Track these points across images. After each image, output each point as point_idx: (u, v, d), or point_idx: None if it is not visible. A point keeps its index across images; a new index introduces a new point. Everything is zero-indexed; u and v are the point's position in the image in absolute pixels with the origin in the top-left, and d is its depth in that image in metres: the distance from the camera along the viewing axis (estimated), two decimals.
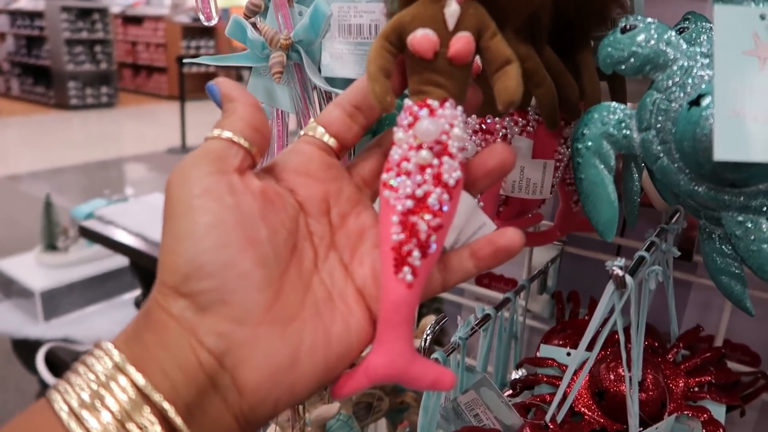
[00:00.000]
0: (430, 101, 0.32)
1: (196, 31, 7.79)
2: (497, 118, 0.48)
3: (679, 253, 0.49)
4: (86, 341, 1.58)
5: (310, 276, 0.32)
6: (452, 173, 0.32)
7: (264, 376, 0.28)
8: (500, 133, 0.49)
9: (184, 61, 0.46)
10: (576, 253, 0.72)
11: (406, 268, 0.31)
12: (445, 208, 0.32)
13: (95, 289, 1.90)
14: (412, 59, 0.33)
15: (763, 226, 0.35)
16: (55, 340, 1.58)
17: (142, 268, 1.46)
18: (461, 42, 0.31)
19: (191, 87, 6.28)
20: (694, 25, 0.48)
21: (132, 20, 8.37)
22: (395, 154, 0.32)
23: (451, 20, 0.31)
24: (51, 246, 1.93)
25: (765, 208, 0.35)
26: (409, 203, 0.31)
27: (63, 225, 1.99)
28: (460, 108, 0.33)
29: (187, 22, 7.71)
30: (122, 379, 0.26)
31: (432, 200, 0.31)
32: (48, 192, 2.08)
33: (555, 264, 0.73)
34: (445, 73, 0.32)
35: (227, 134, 0.30)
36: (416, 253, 0.31)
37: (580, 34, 0.53)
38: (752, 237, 0.36)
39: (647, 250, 0.46)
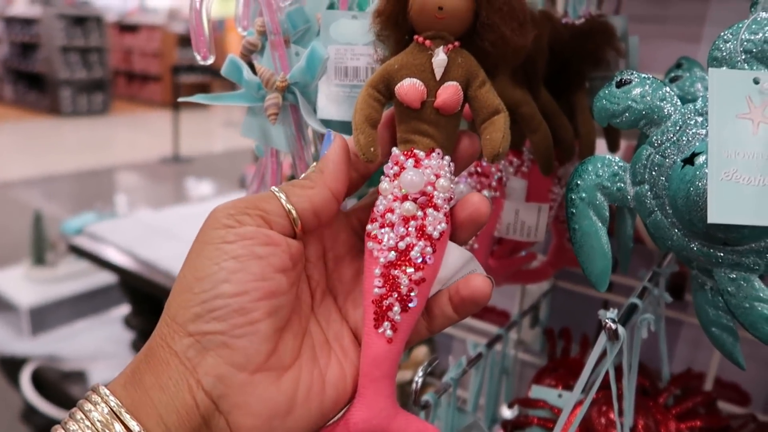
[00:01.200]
0: (416, 151, 0.32)
1: None
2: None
3: (671, 299, 0.49)
4: (73, 358, 1.56)
5: (307, 320, 0.32)
6: (437, 225, 0.32)
7: (259, 422, 0.28)
8: (495, 176, 0.49)
9: (180, 99, 0.46)
10: (568, 288, 0.72)
11: (386, 323, 0.31)
12: (429, 261, 0.32)
13: (84, 304, 1.88)
14: (399, 108, 0.32)
15: (755, 284, 0.36)
16: (41, 357, 1.56)
17: (132, 286, 1.45)
18: (448, 92, 0.31)
19: (185, 96, 6.28)
20: (688, 73, 0.48)
21: (127, 28, 8.37)
22: (380, 204, 0.32)
23: (438, 70, 0.31)
24: (40, 260, 1.91)
25: (757, 267, 0.35)
26: (392, 256, 0.31)
27: (52, 239, 1.97)
28: (447, 158, 0.33)
29: (182, 31, 7.71)
30: (117, 427, 0.26)
31: (414, 253, 0.31)
32: (39, 200, 2.07)
33: (547, 298, 0.73)
34: (433, 123, 0.32)
35: (288, 206, 0.30)
36: (396, 308, 0.31)
37: (575, 76, 0.54)
38: (744, 294, 0.36)
39: (639, 296, 0.46)
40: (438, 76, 0.31)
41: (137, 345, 1.61)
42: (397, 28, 0.32)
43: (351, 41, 0.45)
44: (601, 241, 0.40)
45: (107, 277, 1.84)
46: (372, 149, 0.31)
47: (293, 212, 0.30)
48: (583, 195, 0.40)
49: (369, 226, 0.32)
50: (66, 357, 1.57)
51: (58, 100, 6.98)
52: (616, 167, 0.39)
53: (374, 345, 0.31)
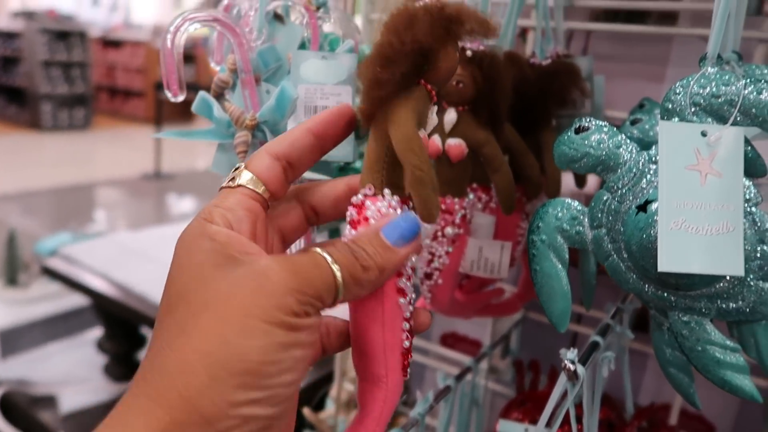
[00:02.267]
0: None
1: None
2: (457, 199, 0.50)
3: (633, 336, 0.50)
4: (43, 383, 1.52)
5: None
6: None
7: None
8: (459, 214, 0.50)
9: (153, 136, 0.46)
10: (538, 319, 0.72)
11: (408, 369, 0.32)
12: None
13: (56, 326, 1.84)
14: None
15: (707, 327, 0.37)
16: (10, 381, 1.53)
17: (105, 310, 1.43)
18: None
19: (168, 112, 6.26)
20: (648, 116, 0.50)
21: (111, 44, 8.34)
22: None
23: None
24: (12, 281, 1.88)
25: (708, 311, 0.36)
26: (412, 308, 0.33)
27: (26, 259, 1.94)
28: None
29: None
30: None
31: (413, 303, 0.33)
32: (16, 216, 2.03)
33: (518, 328, 0.74)
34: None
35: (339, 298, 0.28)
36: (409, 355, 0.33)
37: (542, 115, 0.55)
38: (696, 337, 0.37)
39: (602, 334, 0.47)
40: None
41: (109, 369, 1.58)
42: (406, 79, 0.31)
43: (321, 81, 0.46)
44: (561, 282, 0.41)
45: (81, 299, 1.80)
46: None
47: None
48: (544, 237, 0.41)
49: (399, 282, 0.31)
50: (36, 381, 1.53)
51: (39, 114, 6.91)
52: (575, 211, 0.40)
53: (397, 392, 0.32)
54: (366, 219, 0.31)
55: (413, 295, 0.33)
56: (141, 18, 9.77)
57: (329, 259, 0.27)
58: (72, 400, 1.43)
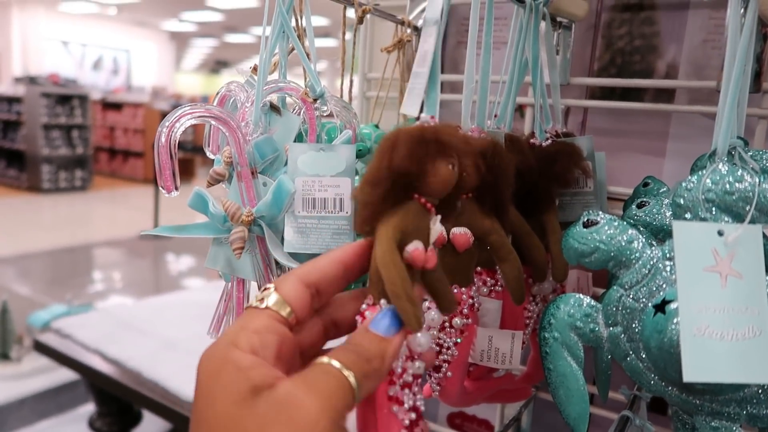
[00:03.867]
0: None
1: None
2: (464, 288, 0.48)
3: (654, 430, 0.47)
4: None
5: None
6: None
7: None
8: (468, 303, 0.48)
9: (143, 233, 0.45)
10: (549, 399, 0.69)
11: None
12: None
13: (47, 402, 1.77)
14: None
15: None
16: None
17: (98, 387, 1.38)
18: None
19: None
20: (653, 197, 0.48)
21: (112, 106, 8.49)
22: (397, 367, 0.32)
23: (434, 236, 0.33)
24: (4, 356, 1.82)
25: (737, 417, 0.34)
26: (413, 416, 0.31)
27: (18, 332, 1.89)
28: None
29: (166, 108, 7.84)
30: None
31: (422, 408, 0.32)
32: (11, 280, 1.99)
33: (529, 408, 0.70)
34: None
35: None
36: None
37: (544, 196, 0.54)
38: None
39: (620, 429, 0.45)
40: (432, 240, 0.33)
41: None
42: (391, 197, 0.32)
43: (319, 173, 0.45)
44: (578, 382, 0.38)
45: (73, 373, 1.75)
46: (422, 320, 0.30)
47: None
48: (556, 335, 0.39)
49: (391, 390, 0.31)
50: None
51: (38, 176, 6.96)
52: (588, 308, 0.38)
53: None
54: None
55: (417, 403, 0.32)
56: (141, 80, 10.00)
57: (338, 365, 0.28)
58: None
